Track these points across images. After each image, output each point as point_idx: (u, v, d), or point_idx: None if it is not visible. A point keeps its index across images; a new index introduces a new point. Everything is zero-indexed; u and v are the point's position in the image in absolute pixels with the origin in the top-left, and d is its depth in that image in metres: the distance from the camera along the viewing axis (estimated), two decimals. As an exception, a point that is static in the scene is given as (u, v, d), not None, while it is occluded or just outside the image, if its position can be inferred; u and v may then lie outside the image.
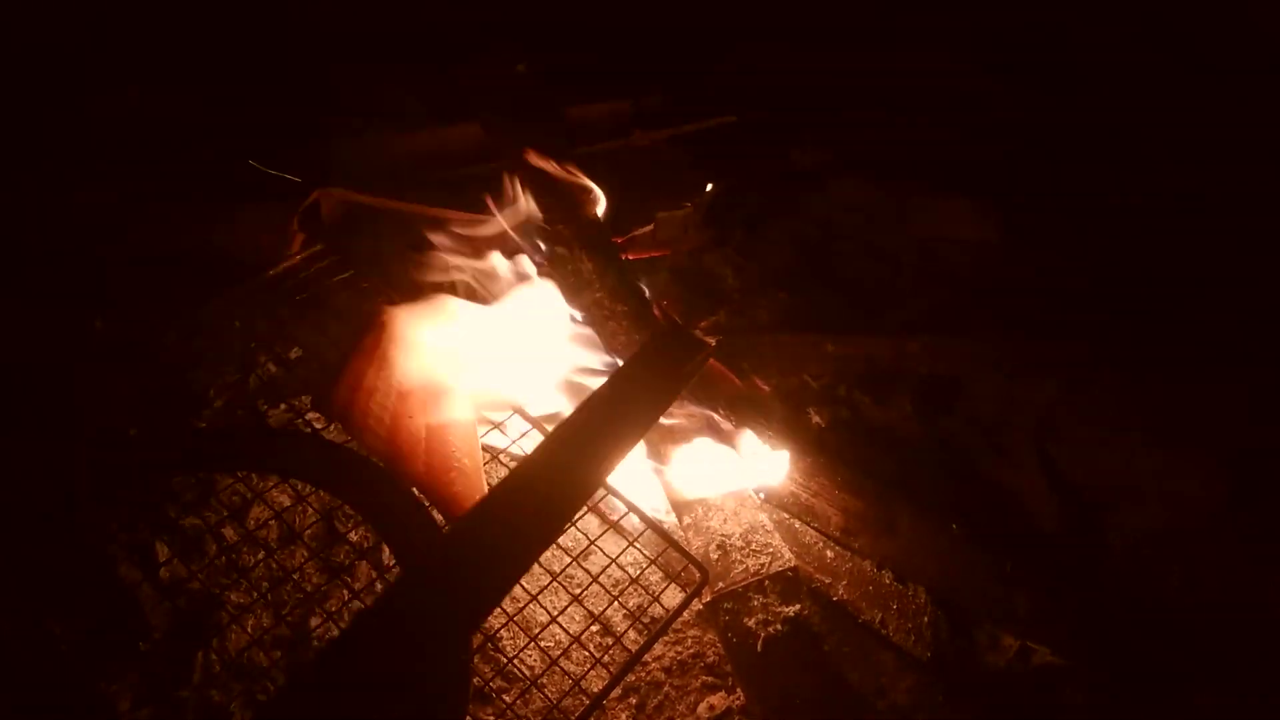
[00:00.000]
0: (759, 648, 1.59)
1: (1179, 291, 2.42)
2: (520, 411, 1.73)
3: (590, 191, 2.06)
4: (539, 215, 2.03)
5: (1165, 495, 2.01)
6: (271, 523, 1.66)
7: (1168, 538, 1.95)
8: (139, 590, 1.53)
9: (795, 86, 2.90)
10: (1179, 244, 2.56)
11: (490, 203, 2.02)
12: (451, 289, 1.98)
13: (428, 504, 1.49)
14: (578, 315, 1.98)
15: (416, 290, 1.90)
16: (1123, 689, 1.68)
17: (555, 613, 1.49)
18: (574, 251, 2.00)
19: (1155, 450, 2.08)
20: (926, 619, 1.71)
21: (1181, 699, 1.68)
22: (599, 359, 1.93)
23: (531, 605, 1.52)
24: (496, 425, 1.72)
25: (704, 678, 1.70)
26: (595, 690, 1.42)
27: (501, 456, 1.77)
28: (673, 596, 1.73)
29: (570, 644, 1.48)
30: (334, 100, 2.44)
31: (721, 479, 1.80)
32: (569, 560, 1.51)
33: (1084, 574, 1.88)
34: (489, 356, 1.71)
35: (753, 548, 1.71)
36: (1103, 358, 2.30)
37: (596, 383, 1.78)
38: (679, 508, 1.81)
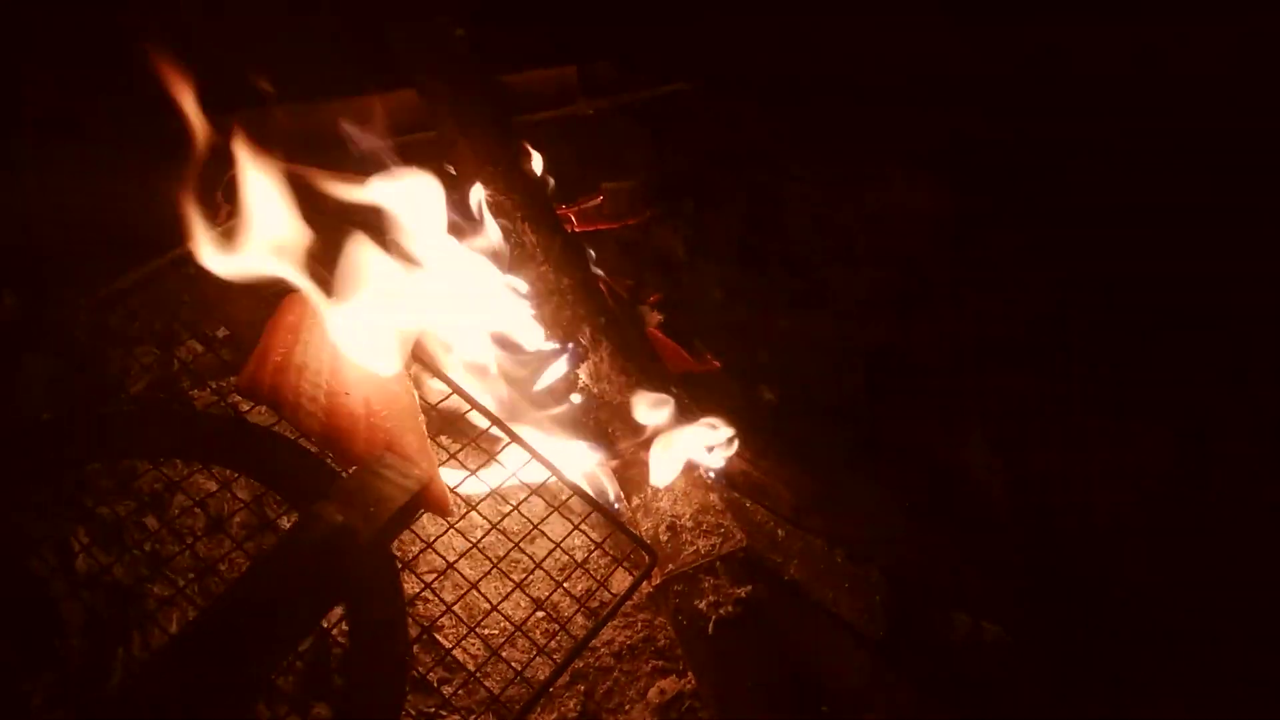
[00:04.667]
0: (710, 630, 1.54)
1: (1132, 271, 2.42)
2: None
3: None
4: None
5: (1114, 472, 2.02)
6: (196, 510, 1.57)
7: (1117, 513, 1.96)
8: (53, 584, 1.43)
9: (746, 54, 2.85)
10: (1133, 223, 2.56)
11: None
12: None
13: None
14: (520, 289, 1.90)
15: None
16: (1073, 664, 1.68)
17: (497, 600, 1.42)
18: (517, 224, 1.92)
19: (1105, 429, 2.09)
20: (879, 598, 1.68)
21: (1130, 673, 1.69)
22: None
23: (473, 593, 1.45)
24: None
25: (654, 662, 1.65)
26: (540, 679, 1.36)
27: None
28: (621, 580, 1.67)
29: (513, 632, 1.41)
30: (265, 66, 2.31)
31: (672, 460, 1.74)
32: (511, 545, 1.44)
33: (1035, 551, 1.88)
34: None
35: (703, 528, 1.66)
36: (1054, 336, 2.30)
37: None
38: (627, 488, 1.75)
